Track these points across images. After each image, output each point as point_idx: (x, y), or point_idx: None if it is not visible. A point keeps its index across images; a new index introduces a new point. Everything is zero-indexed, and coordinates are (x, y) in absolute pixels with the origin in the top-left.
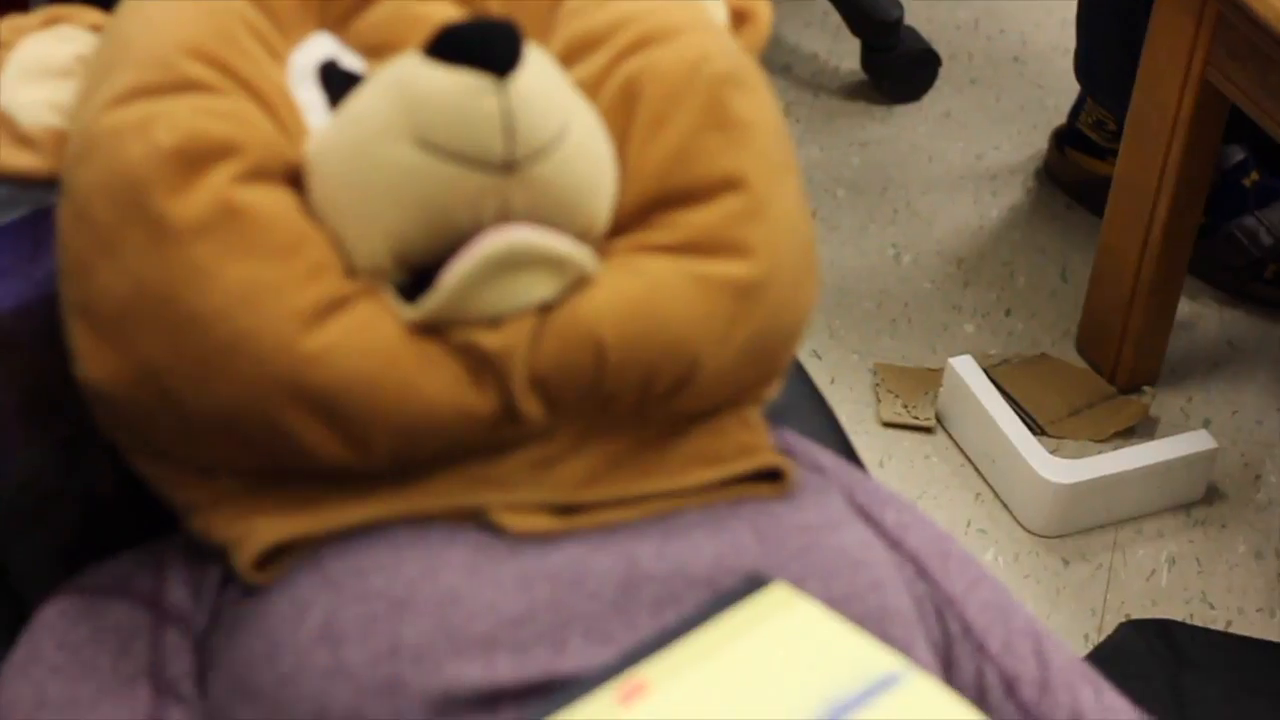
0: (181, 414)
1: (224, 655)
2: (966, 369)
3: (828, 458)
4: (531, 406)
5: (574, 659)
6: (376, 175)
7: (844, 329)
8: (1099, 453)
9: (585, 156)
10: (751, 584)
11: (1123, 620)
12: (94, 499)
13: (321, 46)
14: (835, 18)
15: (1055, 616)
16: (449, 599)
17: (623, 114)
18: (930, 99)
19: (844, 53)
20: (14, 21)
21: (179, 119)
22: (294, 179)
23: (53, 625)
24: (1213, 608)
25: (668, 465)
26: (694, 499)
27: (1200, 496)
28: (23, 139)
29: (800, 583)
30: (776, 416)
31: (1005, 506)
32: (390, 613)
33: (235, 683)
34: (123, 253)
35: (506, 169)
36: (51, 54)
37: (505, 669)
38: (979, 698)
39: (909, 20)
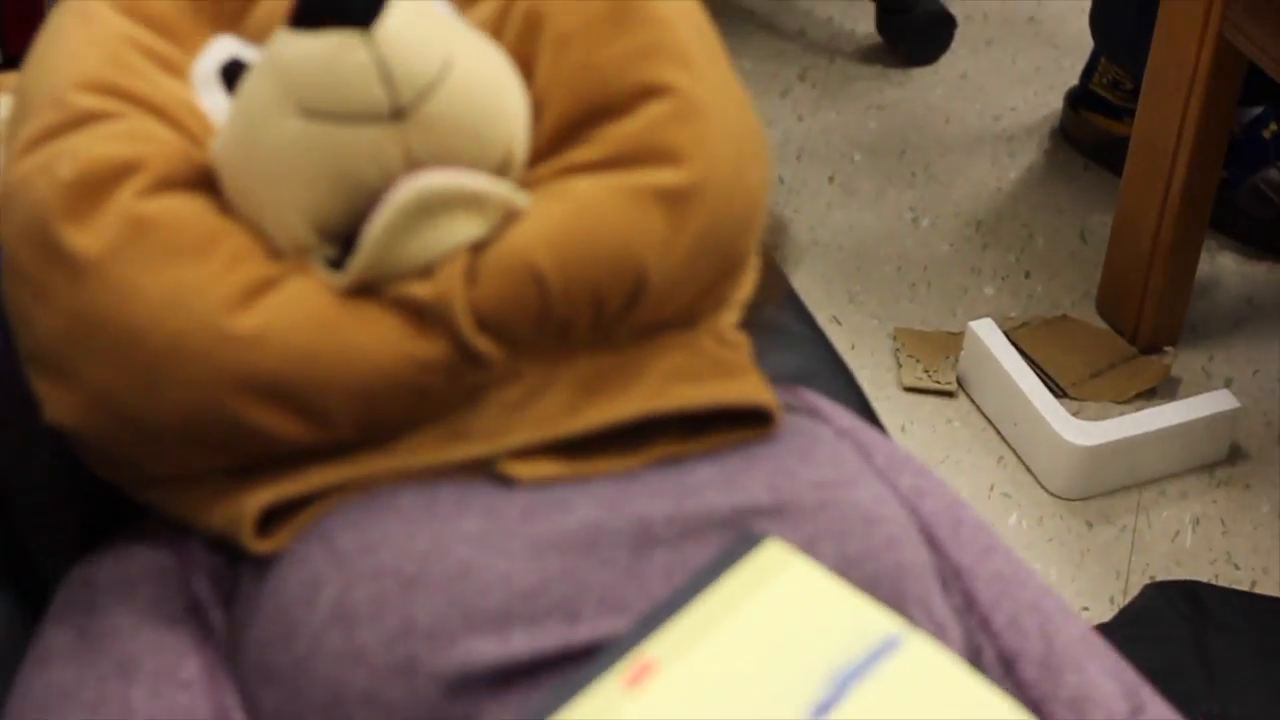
0: (144, 432)
1: (244, 636)
2: (987, 332)
3: (846, 418)
4: (484, 345)
5: (588, 629)
6: (273, 155)
7: (863, 294)
8: (1121, 414)
9: (476, 86)
10: (746, 543)
11: (1147, 582)
12: (109, 490)
13: (223, 48)
14: None
15: (1079, 579)
16: (460, 573)
17: (528, 43)
18: (946, 61)
19: (859, 16)
20: None
21: (78, 151)
22: (209, 183)
23: (78, 589)
24: (1237, 568)
25: (646, 384)
26: (700, 445)
27: (1223, 457)
28: None
29: (815, 540)
30: (797, 382)
31: (1028, 470)
32: (402, 591)
33: (255, 666)
34: (49, 292)
35: (397, 116)
36: None
37: (520, 643)
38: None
39: None
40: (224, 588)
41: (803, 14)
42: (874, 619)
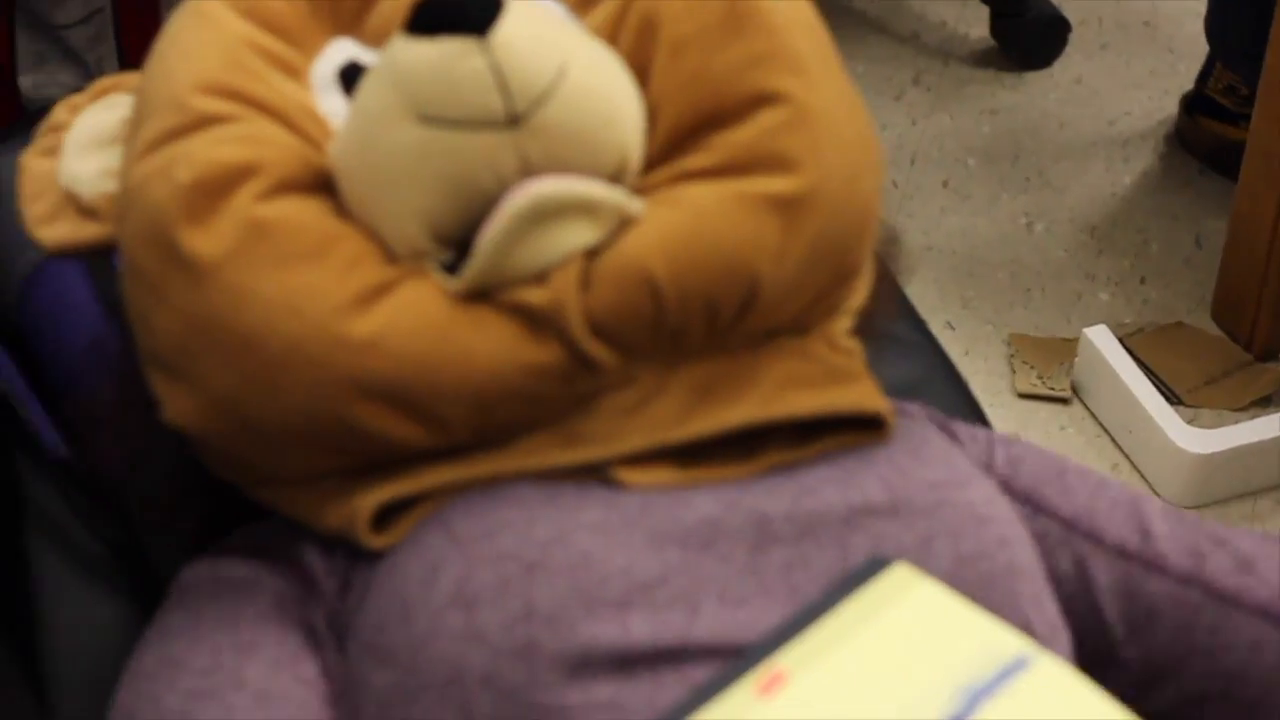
0: (261, 434)
1: (357, 619)
2: (1102, 339)
3: (959, 426)
4: (598, 351)
5: (708, 622)
6: (391, 161)
7: (977, 300)
8: (1236, 422)
9: (591, 92)
10: (874, 565)
11: None
12: (222, 490)
13: (341, 51)
14: None
15: None
16: (581, 562)
17: (644, 48)
18: (1060, 65)
19: (973, 19)
20: (69, 101)
21: (196, 154)
22: (327, 186)
23: (197, 580)
24: None
25: (759, 391)
26: (813, 451)
27: None
28: (87, 210)
29: (930, 539)
30: (910, 390)
31: (1142, 477)
32: (523, 575)
33: (369, 646)
34: (169, 294)
35: (512, 123)
36: (102, 123)
37: (640, 631)
38: (1130, 603)
39: None
40: (338, 580)
41: (916, 17)
42: (1003, 638)
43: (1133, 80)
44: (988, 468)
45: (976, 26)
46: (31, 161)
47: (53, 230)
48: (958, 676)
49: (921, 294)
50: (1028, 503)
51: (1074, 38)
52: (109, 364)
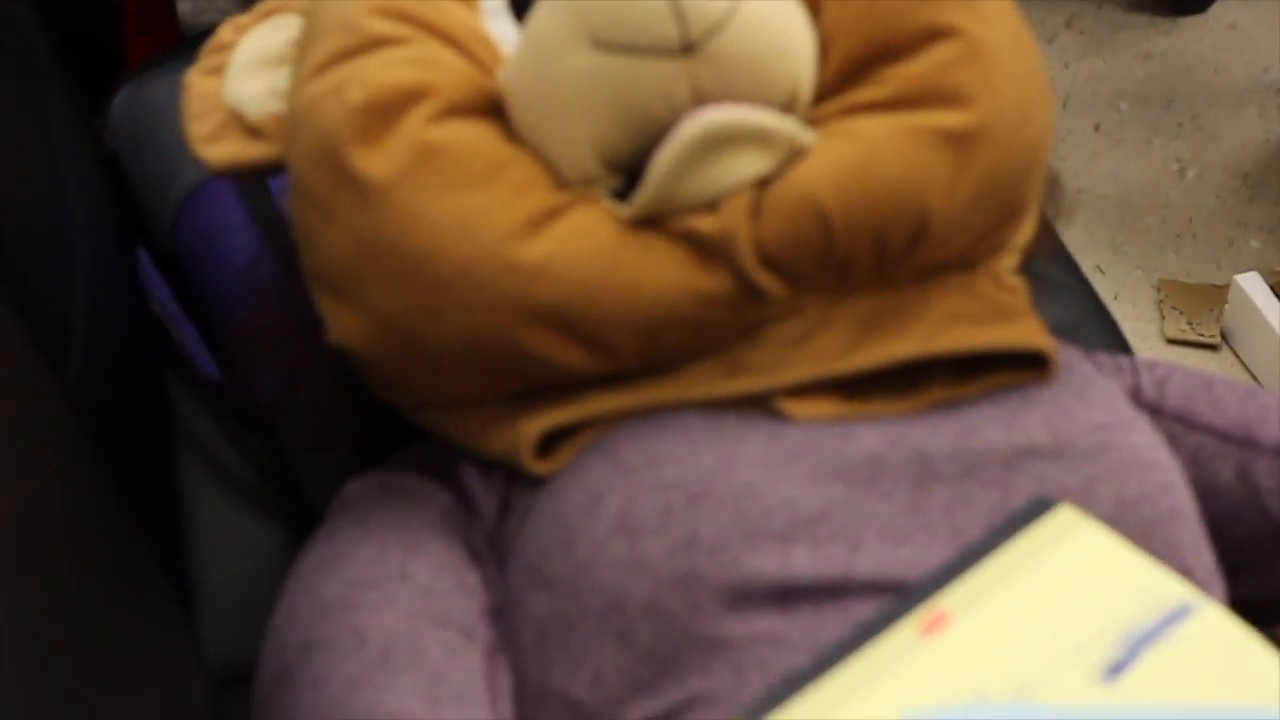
0: (427, 356)
1: (516, 543)
2: (1253, 285)
3: (1102, 357)
4: (767, 281)
5: (871, 558)
6: (564, 86)
7: (1128, 244)
8: None
9: (765, 23)
10: (1039, 506)
11: None
12: (377, 414)
13: None
14: None
15: None
16: (745, 493)
17: None
18: (1216, 10)
19: None
20: (234, 21)
21: (368, 75)
22: (497, 110)
23: (364, 490)
24: None
25: (925, 325)
26: (976, 388)
27: None
28: (252, 130)
29: (1093, 481)
30: (1063, 332)
31: None
32: (686, 505)
33: (528, 570)
34: (338, 215)
35: (686, 51)
36: (269, 44)
37: (802, 564)
38: None
39: None
40: (497, 501)
41: None
42: (1167, 585)
43: None
44: (1136, 394)
45: None
46: (197, 80)
47: (217, 149)
48: (1121, 621)
49: (1072, 237)
50: (1179, 420)
51: None
52: (266, 286)
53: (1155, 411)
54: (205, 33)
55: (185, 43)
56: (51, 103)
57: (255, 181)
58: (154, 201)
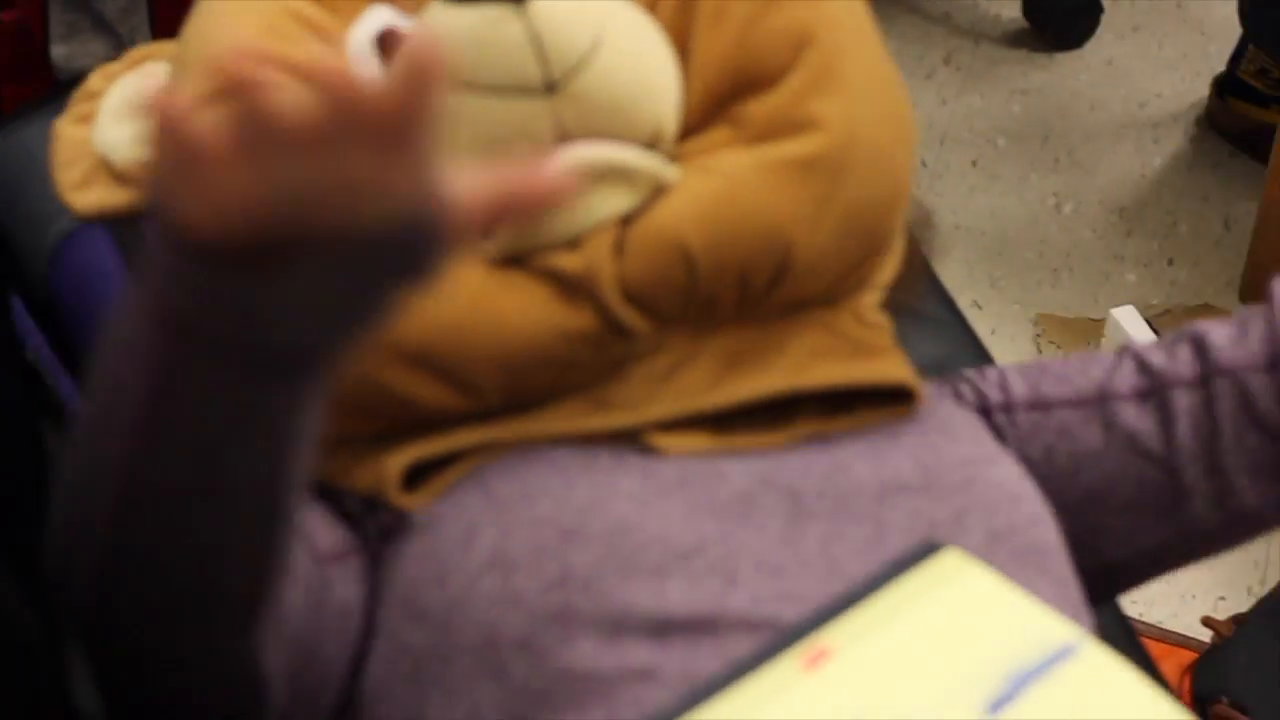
0: None
1: (392, 572)
2: (1129, 319)
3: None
4: (631, 318)
5: (746, 592)
6: None
7: (1005, 279)
8: None
9: (627, 62)
10: (925, 549)
11: None
12: None
13: (378, 18)
14: None
15: (1217, 569)
16: (618, 529)
17: (684, 16)
18: (1092, 46)
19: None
20: (104, 69)
21: None
22: None
23: None
24: None
25: (789, 361)
26: (844, 424)
27: None
28: (120, 176)
29: (963, 514)
30: (938, 367)
31: None
32: (560, 541)
33: (403, 602)
34: None
35: (549, 89)
36: (138, 90)
37: (676, 598)
38: (1166, 422)
39: None
40: (379, 528)
41: None
42: (1051, 626)
43: (1164, 62)
44: (983, 403)
45: (1008, 6)
46: (66, 128)
47: (86, 196)
48: (1004, 661)
49: (950, 273)
50: (1035, 407)
51: (1106, 19)
52: None
53: (1008, 409)
54: (78, 78)
55: (57, 88)
56: None
57: (128, 227)
58: (28, 249)
